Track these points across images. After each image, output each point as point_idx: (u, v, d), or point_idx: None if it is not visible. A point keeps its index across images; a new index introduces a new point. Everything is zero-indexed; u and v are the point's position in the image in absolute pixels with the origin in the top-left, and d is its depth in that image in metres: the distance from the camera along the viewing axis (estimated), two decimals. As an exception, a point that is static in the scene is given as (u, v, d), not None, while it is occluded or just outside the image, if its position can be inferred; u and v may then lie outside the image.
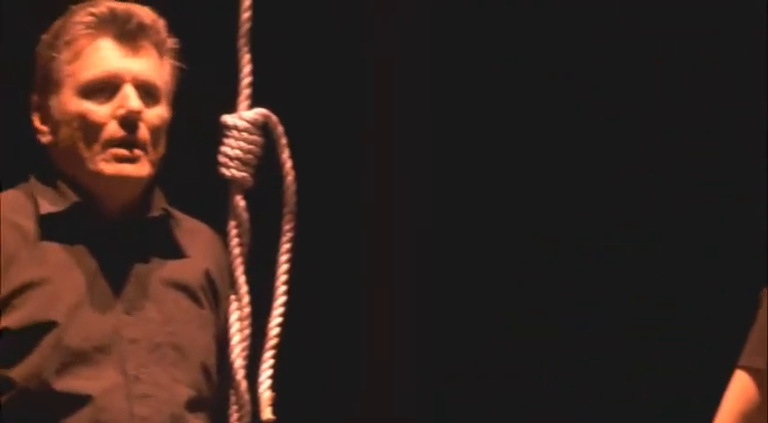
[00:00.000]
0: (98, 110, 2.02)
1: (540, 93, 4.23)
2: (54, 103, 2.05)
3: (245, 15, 2.04)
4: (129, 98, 2.02)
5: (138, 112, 2.02)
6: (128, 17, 2.05)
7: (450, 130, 4.28)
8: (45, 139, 2.08)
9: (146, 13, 2.07)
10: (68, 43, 2.04)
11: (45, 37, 2.09)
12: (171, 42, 2.09)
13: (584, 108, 4.24)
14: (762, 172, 3.89)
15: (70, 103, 2.04)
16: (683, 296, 4.14)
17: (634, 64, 4.20)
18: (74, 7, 2.08)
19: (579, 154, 4.25)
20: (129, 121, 2.02)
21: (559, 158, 4.26)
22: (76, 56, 2.04)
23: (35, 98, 2.09)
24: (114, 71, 2.03)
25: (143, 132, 2.03)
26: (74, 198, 2.04)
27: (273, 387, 2.02)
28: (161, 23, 2.09)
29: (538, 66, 4.23)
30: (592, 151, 4.24)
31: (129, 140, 2.02)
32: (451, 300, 4.26)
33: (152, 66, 2.06)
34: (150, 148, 2.04)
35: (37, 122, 2.09)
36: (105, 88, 2.03)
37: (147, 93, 2.04)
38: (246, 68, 2.05)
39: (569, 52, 4.21)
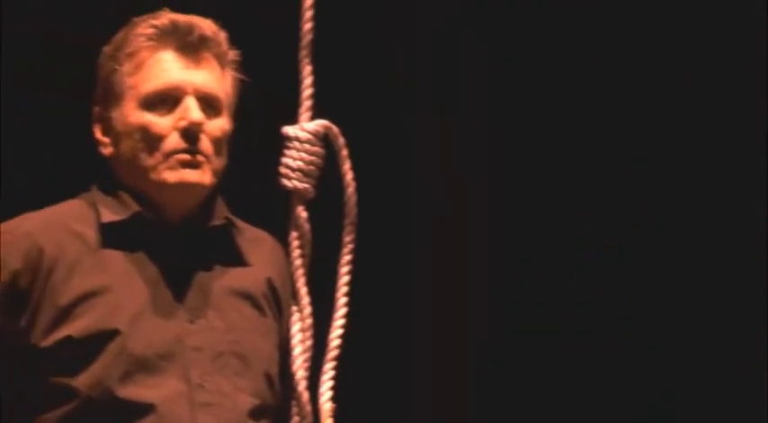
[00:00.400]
0: (160, 122, 2.03)
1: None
2: (116, 115, 2.05)
3: (307, 27, 2.04)
4: (191, 110, 2.02)
5: (200, 124, 2.02)
6: (189, 29, 2.05)
7: (510, 136, 4.29)
8: (106, 151, 2.08)
9: (207, 26, 2.07)
10: (130, 55, 2.05)
11: (106, 49, 2.09)
12: (232, 54, 2.10)
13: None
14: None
15: (132, 114, 2.04)
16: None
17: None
18: (135, 19, 2.09)
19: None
20: (191, 133, 2.02)
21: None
22: (138, 68, 2.04)
23: (96, 110, 2.10)
24: (176, 83, 2.03)
25: (205, 144, 2.03)
26: (135, 207, 2.04)
27: (334, 398, 2.03)
28: (222, 35, 2.09)
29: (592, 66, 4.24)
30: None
31: (191, 152, 2.02)
32: (515, 306, 4.27)
33: (213, 78, 2.06)
34: (212, 159, 2.04)
35: (98, 134, 2.09)
36: (167, 100, 2.03)
37: (209, 105, 2.05)
38: (308, 80, 2.04)
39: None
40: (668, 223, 4.26)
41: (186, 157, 2.02)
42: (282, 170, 2.04)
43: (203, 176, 2.03)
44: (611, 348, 4.25)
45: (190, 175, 2.02)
